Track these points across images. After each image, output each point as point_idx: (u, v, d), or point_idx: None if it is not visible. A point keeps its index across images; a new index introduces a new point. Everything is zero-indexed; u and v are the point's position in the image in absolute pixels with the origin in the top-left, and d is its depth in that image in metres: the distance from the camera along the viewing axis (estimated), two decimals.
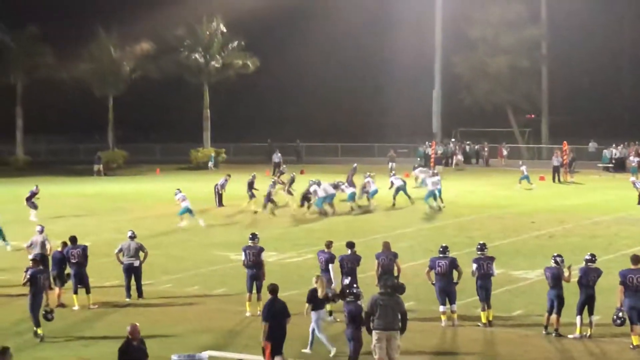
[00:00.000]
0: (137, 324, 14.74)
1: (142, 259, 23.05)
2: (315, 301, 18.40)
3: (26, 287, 20.20)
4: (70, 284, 22.55)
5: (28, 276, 20.04)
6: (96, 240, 30.55)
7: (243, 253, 21.82)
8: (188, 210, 36.38)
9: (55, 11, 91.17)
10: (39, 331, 19.53)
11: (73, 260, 22.28)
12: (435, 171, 44.51)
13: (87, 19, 79.20)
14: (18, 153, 77.20)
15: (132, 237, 23.15)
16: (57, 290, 22.34)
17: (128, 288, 23.03)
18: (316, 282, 18.77)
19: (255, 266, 21.59)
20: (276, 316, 16.62)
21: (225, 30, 73.70)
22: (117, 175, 65.39)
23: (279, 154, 64.40)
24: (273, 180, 43.46)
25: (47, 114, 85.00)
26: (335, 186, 40.56)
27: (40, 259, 22.57)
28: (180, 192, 37.59)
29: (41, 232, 24.56)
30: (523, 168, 51.26)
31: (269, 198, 40.10)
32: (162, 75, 75.59)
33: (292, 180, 43.71)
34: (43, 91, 78.21)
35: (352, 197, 40.68)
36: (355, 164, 49.29)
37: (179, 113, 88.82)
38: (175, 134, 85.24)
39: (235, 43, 73.95)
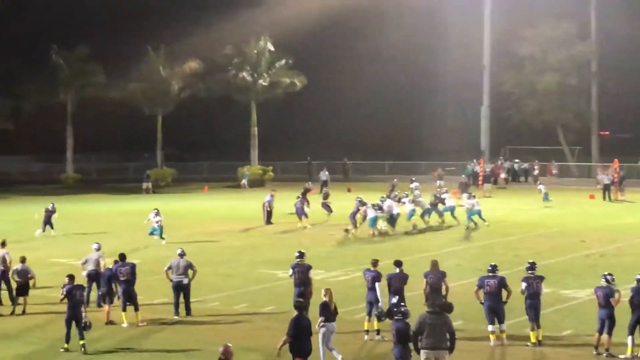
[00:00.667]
0: (230, 345, 14.79)
1: (190, 276, 23.14)
2: (326, 314, 18.38)
3: (64, 302, 20.77)
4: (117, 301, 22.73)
5: (64, 292, 20.71)
6: (145, 258, 30.73)
7: (291, 270, 21.86)
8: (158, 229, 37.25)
9: (105, 31, 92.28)
10: (66, 346, 20.03)
11: (122, 278, 22.43)
12: (472, 194, 44.17)
13: (137, 39, 79.99)
14: (68, 171, 78.06)
15: (182, 255, 23.27)
16: (106, 307, 22.50)
17: (176, 305, 23.12)
18: (325, 295, 18.96)
19: (303, 284, 21.62)
20: (302, 333, 16.69)
21: (272, 48, 74.01)
22: (166, 193, 65.79)
23: (327, 172, 64.37)
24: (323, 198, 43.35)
25: (97, 132, 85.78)
26: (398, 200, 40.41)
27: (94, 276, 22.86)
28: (157, 214, 38.03)
29: (98, 249, 24.78)
30: (541, 187, 50.64)
31: (301, 211, 40.53)
32: (210, 94, 76.15)
33: (326, 195, 44.11)
34: (93, 110, 79.03)
35: (411, 214, 40.40)
36: (395, 179, 49.32)
37: (227, 131, 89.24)
38: (223, 152, 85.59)
39: (283, 61, 74.22)
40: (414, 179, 51.44)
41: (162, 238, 36.88)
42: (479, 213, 40.39)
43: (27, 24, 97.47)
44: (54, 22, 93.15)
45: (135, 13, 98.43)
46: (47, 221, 39.26)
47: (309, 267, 21.94)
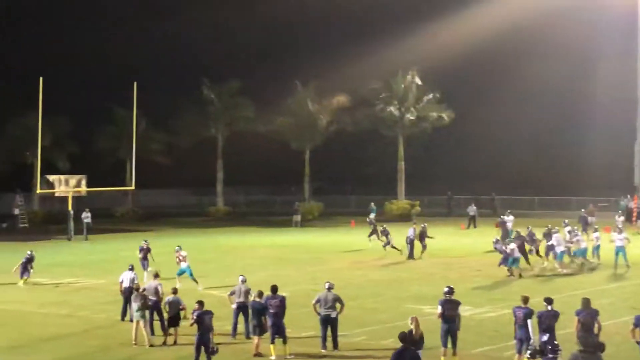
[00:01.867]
0: None
1: (338, 310, 23.21)
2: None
3: (193, 327, 21.54)
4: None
5: (195, 317, 21.47)
6: (293, 291, 31.01)
7: (439, 306, 21.67)
8: (186, 272, 34.26)
9: (255, 65, 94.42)
10: None
11: (272, 310, 22.66)
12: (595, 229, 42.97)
13: (286, 73, 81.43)
14: (218, 204, 79.70)
15: (330, 289, 23.39)
16: (255, 339, 22.76)
17: (324, 339, 23.18)
18: (411, 323, 19.16)
19: (450, 320, 21.42)
20: None
21: (420, 82, 74.01)
22: (313, 226, 66.39)
23: (474, 207, 63.64)
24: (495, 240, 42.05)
25: (246, 166, 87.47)
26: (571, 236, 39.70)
27: (242, 308, 23.40)
28: (181, 249, 35.50)
29: (244, 281, 25.18)
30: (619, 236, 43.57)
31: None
32: (358, 128, 76.61)
33: (386, 233, 43.68)
34: (242, 144, 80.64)
35: (583, 252, 39.59)
36: (424, 225, 47.27)
37: (374, 165, 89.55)
38: (369, 186, 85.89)
39: (430, 95, 74.12)
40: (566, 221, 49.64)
41: (194, 281, 33.59)
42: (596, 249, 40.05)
43: (180, 59, 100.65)
44: (205, 57, 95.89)
45: (285, 48, 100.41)
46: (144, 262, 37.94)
47: (459, 303, 21.72)
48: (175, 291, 24.89)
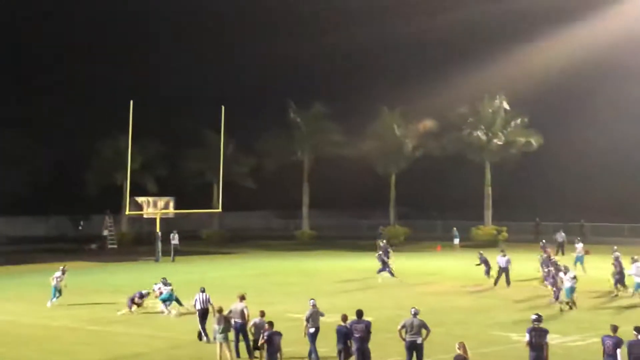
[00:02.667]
0: None
1: (424, 336, 22.98)
2: None
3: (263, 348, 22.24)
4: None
5: (265, 337, 22.19)
6: (378, 316, 30.82)
7: (527, 334, 21.30)
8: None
9: (341, 89, 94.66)
10: None
11: (357, 335, 22.55)
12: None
13: (372, 97, 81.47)
14: (304, 227, 79.86)
15: (416, 314, 23.18)
16: None
17: None
18: (459, 348, 19.55)
19: (538, 348, 21.03)
20: None
21: (507, 107, 73.30)
22: (398, 251, 65.95)
23: (563, 233, 62.49)
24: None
25: (332, 190, 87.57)
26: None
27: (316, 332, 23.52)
28: (63, 270, 36.21)
29: (314, 306, 25.15)
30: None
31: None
32: (444, 152, 76.14)
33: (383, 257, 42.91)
34: (328, 167, 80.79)
35: None
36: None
37: (460, 190, 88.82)
38: (456, 211, 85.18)
39: (518, 120, 73.32)
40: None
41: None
42: None
43: (267, 82, 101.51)
44: (292, 81, 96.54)
45: (371, 72, 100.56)
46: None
47: (546, 331, 21.32)
48: (262, 314, 24.89)
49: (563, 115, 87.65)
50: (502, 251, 44.09)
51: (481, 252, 45.57)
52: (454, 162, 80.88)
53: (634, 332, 20.49)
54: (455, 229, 67.91)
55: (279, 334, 22.32)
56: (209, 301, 28.60)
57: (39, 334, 30.09)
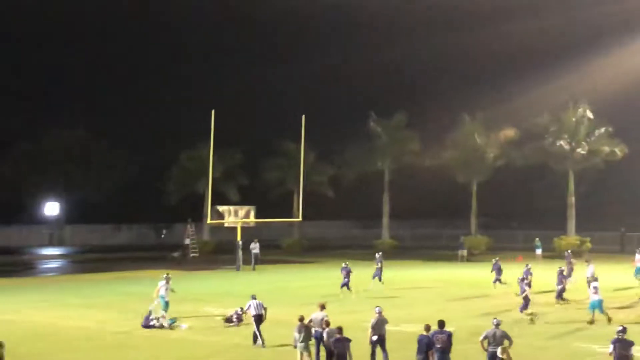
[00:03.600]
0: None
1: (507, 346, 22.68)
2: None
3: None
4: None
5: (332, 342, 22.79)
6: (460, 326, 30.57)
7: (611, 346, 20.91)
8: (163, 302, 33.71)
9: (421, 99, 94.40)
10: None
11: (438, 345, 22.36)
12: None
13: (453, 106, 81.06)
14: (384, 237, 79.68)
15: (497, 325, 22.95)
16: None
17: None
18: (502, 353, 20.36)
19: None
20: None
21: (591, 116, 72.23)
22: (479, 261, 65.45)
23: None
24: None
25: (412, 199, 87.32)
26: None
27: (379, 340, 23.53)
28: (167, 277, 34.88)
29: (379, 313, 25.24)
30: None
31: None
32: (525, 162, 75.32)
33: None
34: (408, 177, 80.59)
35: None
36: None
37: (542, 200, 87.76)
38: (538, 221, 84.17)
39: (602, 129, 72.19)
40: None
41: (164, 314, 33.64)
42: None
43: (347, 92, 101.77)
44: (372, 91, 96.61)
45: (452, 81, 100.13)
46: None
47: (631, 344, 20.89)
48: (328, 323, 24.82)
49: None
50: (587, 261, 43.36)
51: (497, 258, 44.97)
52: (536, 171, 80.00)
53: None
54: (537, 239, 67.01)
55: (348, 340, 22.55)
56: (262, 306, 29.67)
57: (122, 342, 30.52)
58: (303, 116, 61.81)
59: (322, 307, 26.21)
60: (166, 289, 34.30)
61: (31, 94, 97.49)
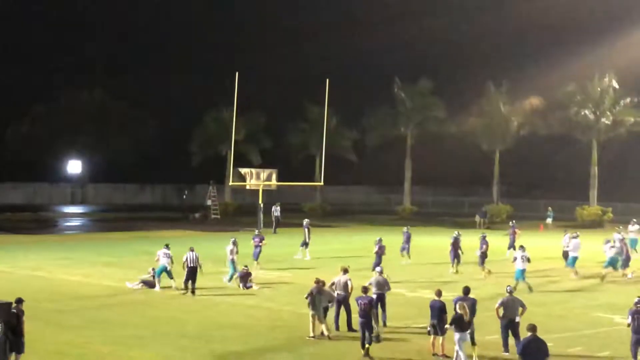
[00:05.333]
0: None
1: (520, 313, 22.76)
2: (460, 325, 20.69)
3: None
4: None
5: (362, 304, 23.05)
6: (478, 294, 30.59)
7: (629, 316, 20.90)
8: (164, 270, 33.02)
9: (447, 65, 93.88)
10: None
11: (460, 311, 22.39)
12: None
13: (478, 74, 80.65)
14: (405, 203, 79.70)
15: (511, 292, 23.00)
16: (432, 338, 22.50)
17: (506, 343, 22.78)
18: (460, 308, 21.06)
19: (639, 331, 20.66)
20: (533, 354, 17.52)
21: (617, 86, 71.71)
22: (500, 229, 65.31)
23: None
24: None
25: (435, 166, 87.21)
26: None
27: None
28: (167, 248, 33.78)
29: (380, 272, 26.26)
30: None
31: None
32: (550, 131, 74.97)
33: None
34: (432, 144, 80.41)
35: None
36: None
37: (565, 170, 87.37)
38: (560, 190, 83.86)
39: (628, 100, 71.70)
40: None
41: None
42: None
43: (372, 58, 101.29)
44: (398, 56, 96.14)
45: (478, 49, 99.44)
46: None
47: None
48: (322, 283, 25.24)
49: None
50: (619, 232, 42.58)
51: (485, 234, 44.50)
52: (560, 140, 79.64)
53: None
54: (550, 208, 66.94)
55: (371, 299, 23.55)
56: (198, 260, 31.79)
57: (142, 299, 30.78)
58: (327, 80, 61.67)
59: (345, 270, 26.26)
60: (235, 252, 34.62)
61: (45, 54, 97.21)
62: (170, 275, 32.63)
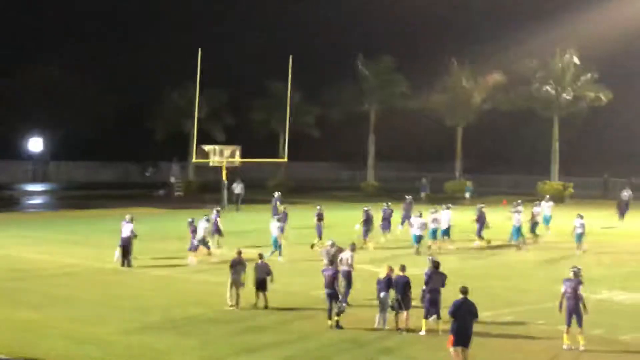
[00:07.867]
0: None
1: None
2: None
3: None
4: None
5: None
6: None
7: (563, 285, 21.37)
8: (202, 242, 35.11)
9: (410, 43, 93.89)
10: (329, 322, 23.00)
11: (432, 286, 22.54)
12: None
13: (440, 50, 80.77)
14: (369, 179, 79.92)
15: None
16: (404, 314, 22.59)
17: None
18: (391, 271, 22.71)
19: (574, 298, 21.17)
20: (464, 314, 18.62)
21: (578, 62, 72.23)
22: (463, 205, 65.63)
23: (629, 191, 61.02)
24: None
25: (398, 142, 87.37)
26: None
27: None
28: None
29: (332, 245, 27.13)
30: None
31: None
32: (512, 107, 75.42)
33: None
34: (395, 120, 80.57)
35: None
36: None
37: (527, 145, 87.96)
38: (522, 166, 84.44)
39: (588, 75, 72.27)
40: None
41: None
42: None
43: (335, 33, 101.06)
44: (360, 33, 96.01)
45: (440, 25, 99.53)
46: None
47: (579, 282, 21.35)
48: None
49: (634, 72, 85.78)
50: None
51: (482, 205, 44.87)
52: (521, 116, 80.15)
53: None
54: (469, 183, 68.01)
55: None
56: (132, 231, 32.99)
57: (105, 278, 30.68)
58: (290, 56, 61.52)
59: (353, 247, 26.46)
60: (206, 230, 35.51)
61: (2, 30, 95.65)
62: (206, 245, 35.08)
